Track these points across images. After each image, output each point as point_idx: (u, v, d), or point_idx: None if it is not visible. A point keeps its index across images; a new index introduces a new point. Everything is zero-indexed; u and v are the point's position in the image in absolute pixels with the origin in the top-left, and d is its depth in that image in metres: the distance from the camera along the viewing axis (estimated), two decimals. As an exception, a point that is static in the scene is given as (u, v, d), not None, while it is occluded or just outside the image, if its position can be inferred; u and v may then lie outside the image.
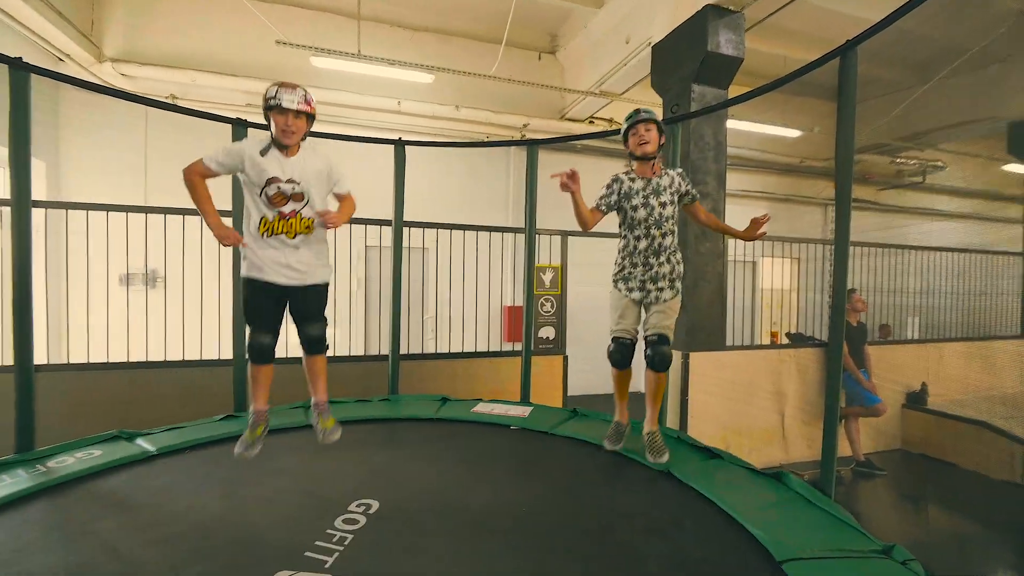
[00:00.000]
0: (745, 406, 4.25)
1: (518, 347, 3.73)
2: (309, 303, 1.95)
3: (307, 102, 1.89)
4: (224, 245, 1.88)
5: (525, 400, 3.43)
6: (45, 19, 4.43)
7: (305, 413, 2.94)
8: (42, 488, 1.96)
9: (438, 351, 4.04)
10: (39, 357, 2.55)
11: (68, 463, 2.16)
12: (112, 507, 1.87)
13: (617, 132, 3.74)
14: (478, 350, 4.18)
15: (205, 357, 3.49)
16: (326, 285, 2.01)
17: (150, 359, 3.40)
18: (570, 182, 2.14)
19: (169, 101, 5.48)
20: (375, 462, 2.34)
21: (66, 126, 5.33)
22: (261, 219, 1.87)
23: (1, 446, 2.38)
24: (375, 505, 1.86)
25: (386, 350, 3.52)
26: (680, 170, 2.42)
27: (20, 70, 2.29)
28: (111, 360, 3.31)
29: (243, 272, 1.92)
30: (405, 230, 3.51)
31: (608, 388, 2.46)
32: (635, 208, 2.28)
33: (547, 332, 4.53)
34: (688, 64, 4.30)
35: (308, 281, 1.93)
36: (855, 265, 5.26)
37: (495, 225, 4.33)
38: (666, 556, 1.60)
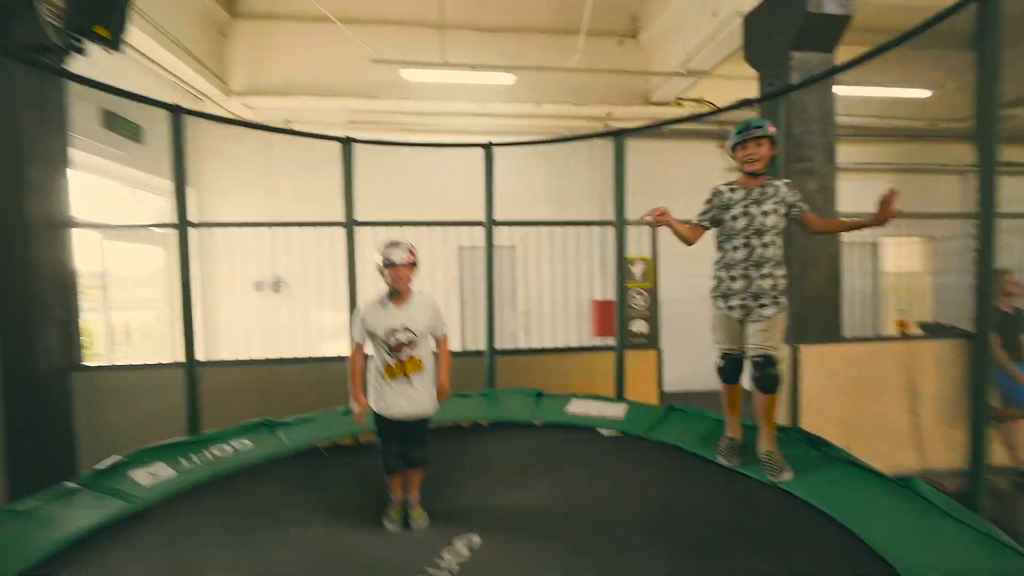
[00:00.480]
0: (870, 403, 3.84)
1: (609, 341, 3.71)
2: (417, 431, 2.19)
3: (411, 253, 2.16)
4: (355, 420, 2.15)
5: (619, 396, 3.41)
6: (187, 65, 5.17)
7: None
8: (211, 479, 2.32)
9: (531, 346, 4.13)
10: (199, 355, 3.03)
11: (227, 451, 2.53)
12: (263, 508, 2.15)
13: (707, 115, 3.58)
14: (570, 345, 4.21)
15: (326, 354, 3.89)
16: (429, 418, 2.24)
17: (281, 356, 3.87)
18: (661, 219, 2.18)
19: (284, 126, 6.13)
20: (477, 461, 2.45)
21: (205, 155, 6.18)
22: (385, 365, 2.14)
23: (177, 428, 2.86)
24: (477, 539, 1.89)
25: (482, 346, 3.68)
26: (788, 180, 2.27)
27: (177, 113, 2.73)
28: (250, 357, 3.81)
29: (372, 405, 2.20)
30: (495, 229, 3.64)
31: (705, 384, 2.39)
32: (734, 218, 2.19)
33: (639, 326, 4.44)
34: (786, 30, 3.96)
35: (418, 414, 2.17)
36: (1007, 241, 4.50)
37: (583, 219, 4.32)
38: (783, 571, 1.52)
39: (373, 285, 3.75)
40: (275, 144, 6.15)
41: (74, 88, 3.42)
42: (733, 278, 2.20)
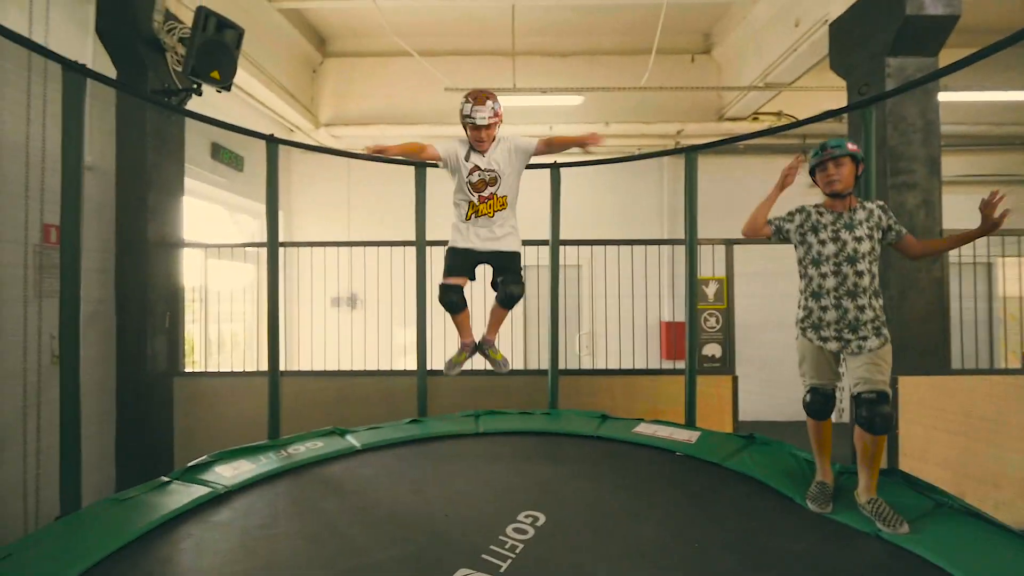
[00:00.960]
0: (986, 446, 3.36)
1: (679, 365, 3.53)
2: (506, 264, 2.42)
3: (496, 114, 2.28)
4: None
5: (691, 423, 3.23)
6: (283, 100, 5.70)
7: (475, 421, 3.20)
8: (286, 470, 2.48)
9: (595, 367, 4.04)
10: (282, 365, 3.25)
11: (301, 451, 2.70)
12: (332, 490, 2.28)
13: (784, 128, 3.38)
14: (636, 367, 4.07)
15: (395, 367, 4.04)
16: (518, 253, 2.47)
17: (354, 368, 4.06)
18: (788, 177, 2.22)
19: (365, 152, 6.56)
20: (541, 475, 2.42)
21: (294, 180, 6.75)
22: (468, 204, 2.32)
23: (259, 432, 3.07)
24: (542, 518, 1.93)
25: (545, 364, 3.64)
26: (881, 203, 2.09)
27: (273, 143, 3.01)
28: (327, 368, 4.04)
29: (449, 245, 2.47)
30: (560, 248, 3.63)
31: (784, 415, 2.21)
32: (823, 242, 2.03)
33: (712, 349, 4.21)
34: (880, 35, 3.68)
35: (503, 248, 2.38)
36: None
37: (651, 238, 4.20)
38: None
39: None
40: (355, 169, 6.60)
41: (189, 123, 3.88)
42: (824, 308, 2.02)
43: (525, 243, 4.04)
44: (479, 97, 2.26)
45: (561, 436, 3.00)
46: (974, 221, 1.96)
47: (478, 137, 2.31)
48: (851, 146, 2.03)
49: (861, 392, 1.91)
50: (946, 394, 3.37)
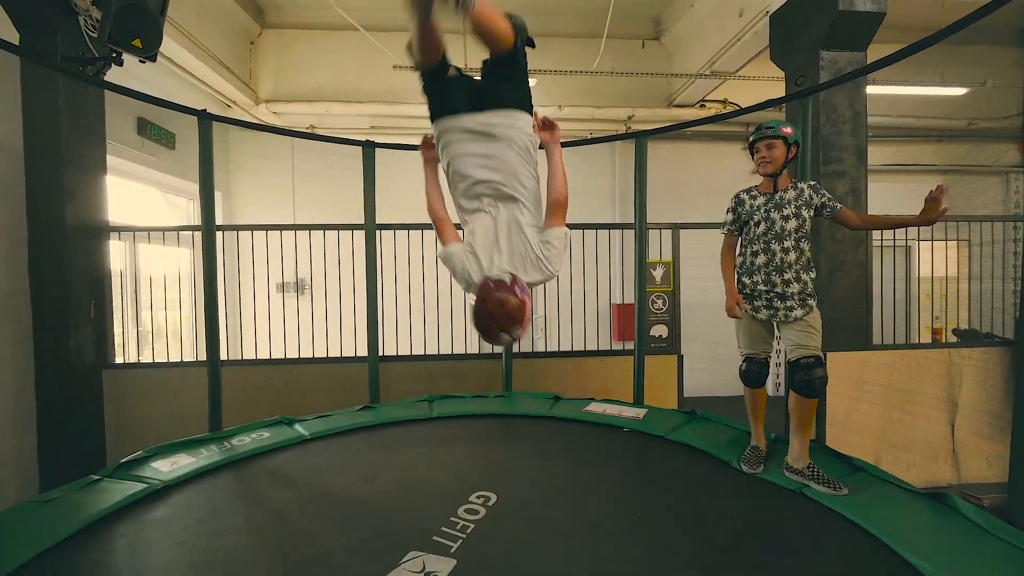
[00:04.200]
0: (901, 414, 3.69)
1: (629, 346, 3.65)
2: None
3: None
4: None
5: (639, 401, 3.35)
6: (217, 74, 5.33)
7: (429, 406, 3.19)
8: (229, 461, 2.39)
9: (548, 350, 4.11)
10: (222, 354, 3.10)
11: (246, 442, 2.60)
12: (279, 481, 2.22)
13: (729, 116, 3.51)
14: (588, 349, 4.17)
15: (345, 355, 3.95)
16: None
17: (302, 356, 3.93)
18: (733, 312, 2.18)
19: (309, 131, 6.26)
20: (493, 456, 2.46)
21: (234, 160, 6.36)
22: None
23: (199, 426, 2.93)
24: (493, 498, 1.96)
25: (499, 349, 3.67)
26: (813, 183, 2.23)
27: (205, 119, 2.81)
28: (272, 356, 3.89)
29: None
30: (513, 232, 3.63)
31: (727, 390, 2.33)
32: (756, 224, 2.18)
33: (659, 330, 4.37)
34: (815, 29, 3.85)
35: None
36: (1052, 245, 4.27)
37: (602, 222, 4.28)
38: None
39: (393, 288, 3.80)
40: (299, 149, 6.30)
41: (110, 97, 3.56)
42: (756, 283, 2.17)
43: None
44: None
45: (514, 418, 3.05)
46: (897, 207, 2.13)
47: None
48: (785, 129, 2.14)
49: (797, 358, 2.05)
50: (867, 368, 3.67)
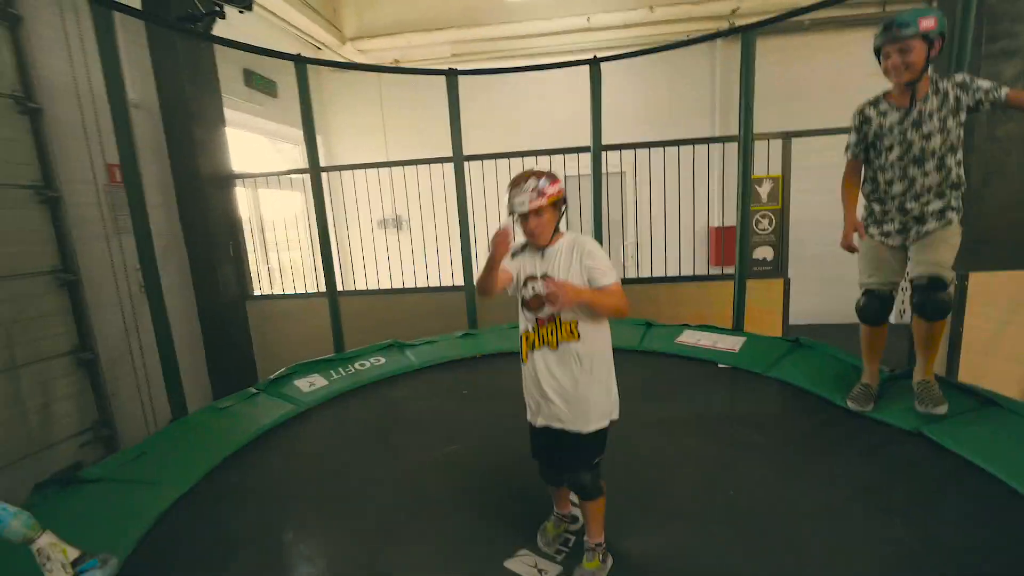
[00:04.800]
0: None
1: (729, 271, 3.46)
2: (571, 446, 1.42)
3: (540, 193, 1.41)
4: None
5: (739, 329, 3.22)
6: (305, 16, 5.47)
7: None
8: (356, 387, 2.75)
9: (640, 276, 4.03)
10: (338, 286, 3.45)
11: (367, 367, 2.94)
12: (396, 417, 2.48)
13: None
14: (683, 275, 4.02)
15: (443, 284, 4.20)
16: (587, 435, 1.40)
17: (405, 286, 4.25)
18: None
19: (393, 65, 6.30)
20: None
21: (327, 101, 6.65)
22: (523, 336, 1.47)
23: (326, 347, 3.36)
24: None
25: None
26: (961, 78, 1.75)
27: (301, 63, 2.95)
28: (379, 287, 4.26)
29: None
30: (603, 154, 3.48)
31: (838, 316, 2.11)
32: (890, 147, 1.81)
33: (764, 252, 4.05)
34: None
35: (563, 421, 1.41)
36: None
37: (700, 137, 3.93)
38: (916, 542, 1.34)
39: (484, 218, 3.89)
40: (387, 85, 6.39)
41: (219, 51, 3.84)
42: (887, 211, 1.88)
43: (565, 151, 3.92)
44: (517, 179, 1.46)
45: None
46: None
47: (528, 230, 1.45)
48: (925, 22, 1.67)
49: (919, 275, 1.80)
50: (1020, 287, 3.15)
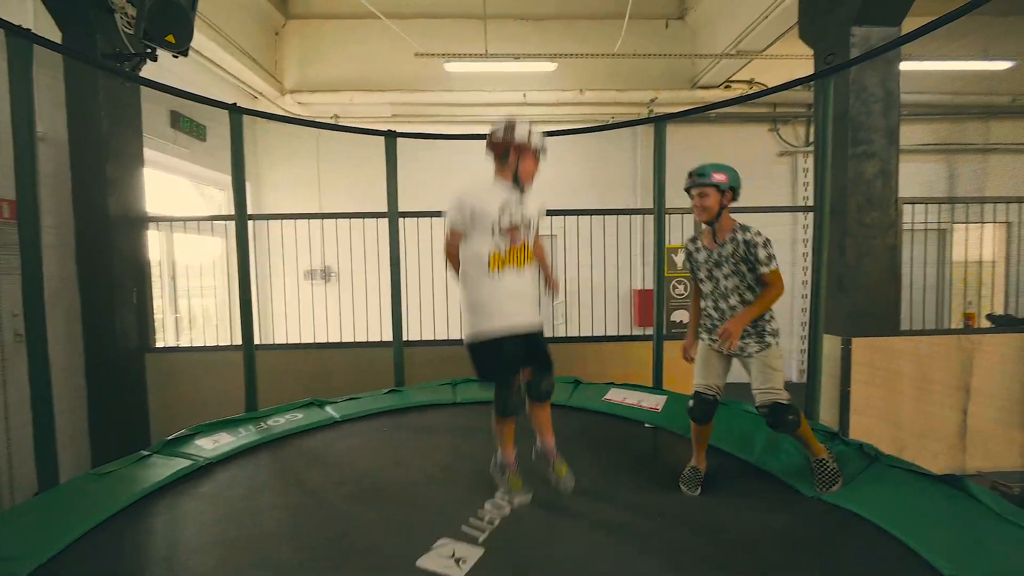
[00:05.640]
0: (925, 403, 3.62)
1: (650, 331, 3.67)
2: (543, 348, 1.94)
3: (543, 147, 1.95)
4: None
5: (658, 387, 3.38)
6: (244, 66, 5.46)
7: (453, 390, 3.28)
8: (266, 441, 2.54)
9: (568, 335, 4.15)
10: (255, 339, 3.25)
11: (280, 423, 2.74)
12: (313, 462, 2.34)
13: (755, 96, 3.43)
14: (608, 334, 4.20)
15: (371, 339, 4.07)
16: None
17: (330, 340, 4.08)
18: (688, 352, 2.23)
19: (332, 121, 6.37)
20: (519, 448, 2.48)
21: (262, 151, 6.53)
22: (492, 255, 1.83)
23: (236, 406, 3.09)
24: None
25: (520, 334, 3.73)
26: (749, 236, 1.94)
27: (236, 112, 2.92)
28: (302, 341, 4.05)
29: (472, 329, 1.89)
30: (534, 219, 3.66)
31: (744, 376, 2.24)
32: (702, 280, 2.09)
33: (681, 315, 4.36)
34: (847, 4, 3.71)
35: (536, 323, 1.88)
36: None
37: (623, 208, 4.27)
38: None
39: (417, 275, 3.89)
40: (324, 139, 6.41)
41: (145, 91, 3.70)
42: (715, 327, 2.07)
43: (499, 214, 4.09)
44: (512, 121, 1.93)
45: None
46: (930, 190, 2.03)
47: (525, 169, 1.92)
48: (717, 175, 1.97)
49: (759, 406, 1.97)
50: (894, 355, 3.60)
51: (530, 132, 1.88)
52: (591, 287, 4.24)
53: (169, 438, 2.45)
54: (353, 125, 3.72)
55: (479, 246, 1.85)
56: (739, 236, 1.97)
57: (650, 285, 4.40)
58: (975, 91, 6.33)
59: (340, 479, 2.15)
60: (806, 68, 4.70)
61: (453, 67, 5.91)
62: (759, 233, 1.95)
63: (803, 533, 1.73)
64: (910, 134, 5.30)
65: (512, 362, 1.88)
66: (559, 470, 1.90)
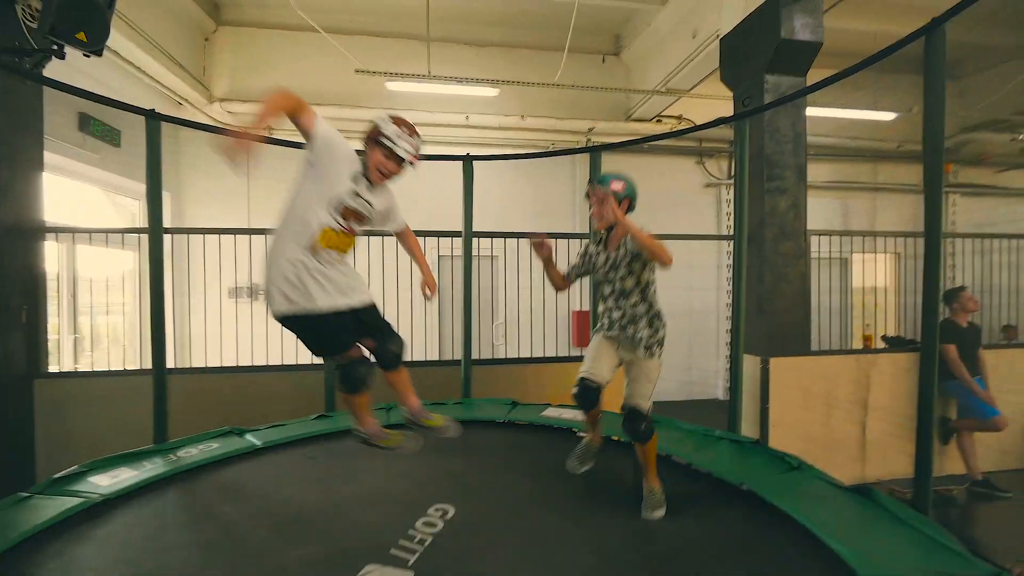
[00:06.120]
0: (831, 417, 3.94)
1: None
2: (378, 318, 1.94)
3: (416, 156, 1.86)
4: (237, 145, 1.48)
5: (594, 405, 3.44)
6: (168, 70, 5.14)
7: (387, 414, 3.17)
8: (175, 473, 2.30)
9: (508, 356, 4.15)
10: (169, 362, 2.98)
11: (193, 454, 2.50)
12: (229, 494, 2.15)
13: (683, 132, 3.68)
14: (547, 355, 4.24)
15: (300, 362, 3.86)
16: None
17: (254, 363, 3.82)
18: (541, 248, 2.12)
19: (266, 134, 6.10)
20: (452, 466, 2.45)
21: (185, 161, 6.12)
22: (324, 230, 1.74)
23: (142, 438, 2.80)
24: (451, 511, 1.94)
25: (459, 355, 3.68)
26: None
27: (154, 119, 2.72)
28: (223, 364, 3.76)
29: (288, 301, 1.75)
30: (475, 240, 3.67)
31: (683, 394, 2.38)
32: (599, 283, 2.19)
33: (616, 337, 4.50)
34: (760, 54, 4.11)
35: (366, 299, 1.88)
36: (969, 261, 4.69)
37: (562, 232, 4.38)
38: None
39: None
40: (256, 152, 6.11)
41: (49, 90, 3.38)
42: (612, 324, 2.15)
43: (439, 234, 4.05)
44: (413, 128, 1.87)
45: (473, 423, 3.06)
46: (832, 223, 2.27)
47: (388, 171, 1.84)
48: (615, 184, 2.04)
49: (623, 405, 2.05)
50: (804, 373, 3.91)
51: (399, 135, 1.82)
52: (531, 308, 4.29)
53: (56, 476, 2.17)
54: (288, 139, 3.58)
55: (314, 209, 1.75)
56: (629, 242, 2.06)
57: (587, 307, 4.52)
58: (869, 137, 7.16)
59: (258, 511, 1.99)
60: (729, 107, 5.12)
61: (395, 86, 5.88)
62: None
63: (730, 533, 1.84)
64: (816, 172, 5.88)
65: (340, 337, 1.84)
66: (434, 423, 2.00)
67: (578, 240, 4.41)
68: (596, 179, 2.08)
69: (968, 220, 7.29)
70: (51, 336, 3.53)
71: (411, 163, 1.86)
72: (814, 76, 3.80)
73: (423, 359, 4.14)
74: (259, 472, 2.38)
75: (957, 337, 3.91)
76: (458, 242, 3.79)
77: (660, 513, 1.95)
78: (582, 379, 2.13)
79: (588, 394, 2.11)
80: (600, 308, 2.23)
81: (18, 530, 1.77)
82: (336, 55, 5.76)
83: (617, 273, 2.10)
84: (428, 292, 2.12)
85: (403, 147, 1.80)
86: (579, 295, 5.46)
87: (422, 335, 4.40)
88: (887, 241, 4.69)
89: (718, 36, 4.76)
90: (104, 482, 2.15)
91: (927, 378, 2.00)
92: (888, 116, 6.32)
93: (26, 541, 1.73)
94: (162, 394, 2.81)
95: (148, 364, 2.88)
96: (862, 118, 6.36)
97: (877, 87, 5.95)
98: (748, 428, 3.68)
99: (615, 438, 2.73)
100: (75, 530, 1.83)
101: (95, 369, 3.61)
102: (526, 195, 6.76)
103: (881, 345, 4.57)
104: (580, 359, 4.17)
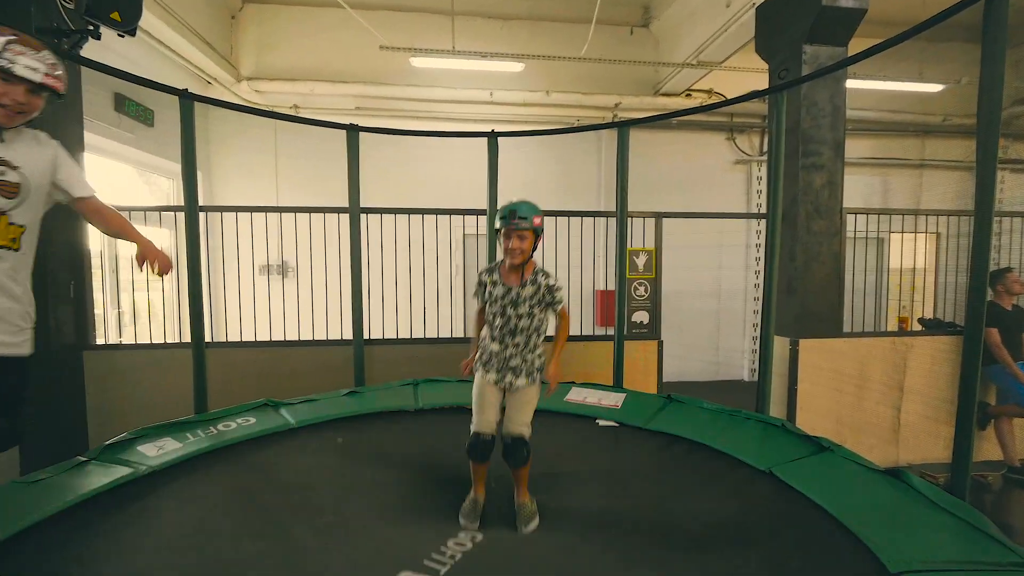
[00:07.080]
0: (863, 400, 3.86)
1: (611, 331, 3.74)
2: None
3: (56, 77, 1.23)
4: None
5: (618, 386, 3.45)
6: (197, 50, 5.20)
7: (414, 391, 3.23)
8: (216, 448, 2.40)
9: (532, 335, 4.16)
10: (206, 336, 3.10)
11: (232, 428, 2.60)
12: (266, 477, 2.21)
13: (714, 107, 3.56)
14: (571, 334, 4.25)
15: (330, 337, 3.96)
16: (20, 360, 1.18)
17: (286, 338, 3.94)
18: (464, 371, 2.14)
19: (292, 112, 6.17)
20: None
21: (214, 139, 6.23)
22: None
23: (184, 407, 2.94)
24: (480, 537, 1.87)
25: (484, 333, 3.72)
26: (552, 280, 2.01)
27: (187, 99, 2.77)
28: (257, 339, 3.89)
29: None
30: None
31: (703, 375, 2.37)
32: (494, 314, 2.04)
33: (641, 316, 4.46)
34: (799, 23, 3.91)
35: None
36: (1017, 241, 4.46)
37: (587, 210, 4.33)
38: (762, 567, 1.54)
39: (379, 271, 3.82)
40: (283, 129, 6.19)
41: (87, 72, 3.46)
42: (491, 359, 2.05)
43: (464, 212, 4.05)
44: (31, 40, 1.26)
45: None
46: (870, 201, 2.18)
47: (13, 99, 1.34)
48: (537, 219, 1.94)
49: (506, 433, 1.99)
50: (836, 355, 3.82)
51: (11, 46, 1.25)
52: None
53: (108, 442, 2.30)
54: (313, 117, 3.61)
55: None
56: (541, 280, 1.98)
57: (612, 286, 4.48)
58: (912, 110, 6.79)
59: (295, 499, 2.02)
60: (762, 81, 4.92)
61: (419, 62, 5.83)
62: (556, 278, 2.03)
63: (751, 518, 1.84)
64: (854, 148, 5.63)
65: None
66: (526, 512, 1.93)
67: (604, 218, 4.36)
68: (516, 213, 1.90)
69: (1017, 197, 6.92)
70: (96, 311, 3.70)
71: (49, 86, 1.28)
72: (856, 46, 3.62)
73: (449, 336, 4.18)
74: (295, 456, 2.41)
75: (1001, 320, 3.76)
76: (483, 220, 3.79)
77: (534, 524, 1.90)
78: (477, 435, 2.01)
79: (483, 447, 2.01)
80: (484, 334, 2.10)
81: (75, 493, 1.90)
82: (361, 32, 5.72)
83: (516, 310, 1.99)
84: (155, 269, 1.66)
85: (23, 63, 1.22)
86: (604, 275, 5.41)
87: (448, 313, 4.45)
88: (927, 220, 4.49)
89: (754, 5, 4.55)
90: (151, 452, 2.26)
91: (970, 361, 1.93)
92: (935, 88, 5.97)
93: (80, 504, 1.85)
94: (201, 367, 2.94)
95: (186, 338, 3.00)
96: (906, 90, 6.02)
97: (923, 57, 5.63)
98: (775, 410, 3.64)
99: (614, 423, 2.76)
100: (125, 498, 1.95)
101: (138, 342, 3.78)
102: (551, 173, 6.68)
103: (918, 328, 4.43)
104: (603, 338, 4.19)
